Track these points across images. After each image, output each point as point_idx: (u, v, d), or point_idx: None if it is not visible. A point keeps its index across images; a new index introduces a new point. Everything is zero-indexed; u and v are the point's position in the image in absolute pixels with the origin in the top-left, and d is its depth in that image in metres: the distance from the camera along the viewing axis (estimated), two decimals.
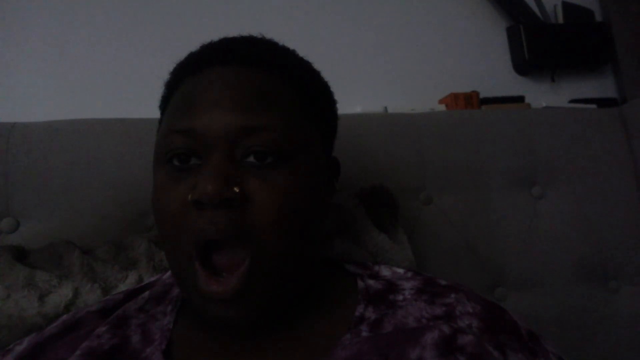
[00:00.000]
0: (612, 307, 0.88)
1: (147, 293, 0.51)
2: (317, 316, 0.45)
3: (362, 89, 1.14)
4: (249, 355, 0.42)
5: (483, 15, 1.25)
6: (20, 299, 0.52)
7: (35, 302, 0.52)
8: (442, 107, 1.13)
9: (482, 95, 1.16)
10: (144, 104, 1.01)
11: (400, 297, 0.47)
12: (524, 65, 1.23)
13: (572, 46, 1.24)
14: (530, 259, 0.87)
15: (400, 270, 0.53)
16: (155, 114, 0.82)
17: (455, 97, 1.13)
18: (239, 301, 0.39)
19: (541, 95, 1.24)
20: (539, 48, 1.21)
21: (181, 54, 1.14)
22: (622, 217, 0.92)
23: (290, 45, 1.23)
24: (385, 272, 0.53)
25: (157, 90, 1.14)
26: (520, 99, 1.18)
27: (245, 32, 1.13)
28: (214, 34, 1.18)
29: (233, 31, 1.20)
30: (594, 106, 1.15)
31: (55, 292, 0.53)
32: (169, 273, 0.53)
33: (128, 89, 1.02)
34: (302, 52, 1.22)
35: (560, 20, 1.26)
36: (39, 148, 0.73)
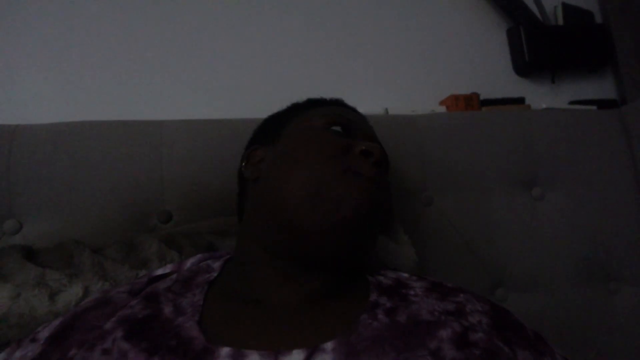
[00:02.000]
0: (612, 308, 0.88)
1: (174, 275, 0.54)
2: (336, 298, 0.50)
3: (363, 90, 1.14)
4: (278, 327, 0.46)
5: (483, 17, 1.26)
6: (31, 297, 0.53)
7: (46, 301, 0.53)
8: (443, 109, 1.13)
9: (482, 97, 1.16)
10: (147, 106, 1.02)
11: (412, 292, 0.50)
12: (524, 67, 1.23)
13: (572, 48, 1.25)
14: (531, 260, 0.87)
15: (405, 274, 0.56)
16: (156, 115, 0.83)
17: (455, 98, 1.13)
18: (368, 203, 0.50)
19: (541, 96, 1.24)
20: (539, 49, 1.21)
21: (184, 57, 1.14)
22: (622, 218, 0.92)
23: (291, 46, 1.24)
24: (391, 274, 0.56)
25: (159, 93, 1.15)
26: (520, 101, 1.18)
27: (244, 31, 1.12)
28: (215, 35, 1.18)
29: (232, 31, 1.21)
30: (594, 107, 1.15)
31: (66, 291, 0.54)
32: (189, 264, 0.58)
33: (131, 91, 1.02)
34: (302, 54, 1.23)
35: (560, 21, 1.26)
36: (42, 150, 0.74)
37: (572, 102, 1.22)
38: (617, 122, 0.98)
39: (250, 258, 0.54)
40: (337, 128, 0.56)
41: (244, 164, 0.61)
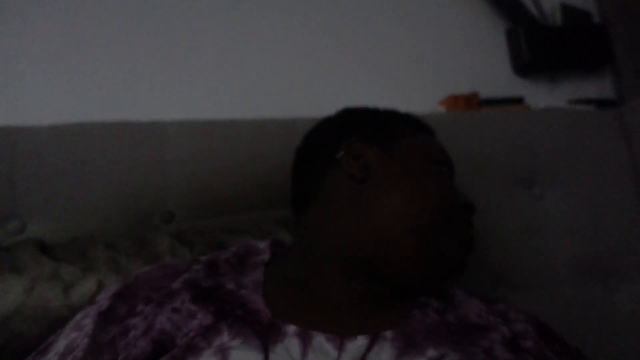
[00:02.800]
0: (612, 306, 0.88)
1: (234, 248, 0.56)
2: (391, 298, 0.53)
3: (361, 90, 1.15)
4: (340, 315, 0.48)
5: (482, 18, 1.26)
6: (45, 290, 0.54)
7: (60, 294, 0.54)
8: (442, 109, 1.14)
9: (481, 97, 1.17)
10: (149, 106, 1.02)
11: (456, 299, 0.54)
12: (523, 67, 1.24)
13: (570, 48, 1.25)
14: (530, 258, 0.87)
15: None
16: (159, 116, 0.83)
17: (455, 98, 1.14)
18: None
19: (540, 96, 1.25)
20: (538, 50, 1.22)
21: (186, 58, 1.14)
22: (621, 216, 0.93)
23: (292, 46, 1.24)
24: None
25: (161, 93, 1.15)
26: (519, 100, 1.19)
27: (245, 31, 1.12)
28: (217, 36, 1.19)
29: (234, 31, 1.21)
30: (592, 107, 1.16)
31: (80, 285, 0.55)
32: (234, 249, 0.57)
33: (133, 92, 1.03)
34: (302, 54, 1.23)
35: (559, 22, 1.27)
36: (45, 151, 0.75)
37: (571, 102, 1.23)
38: (616, 122, 0.99)
39: (319, 252, 0.54)
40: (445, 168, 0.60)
41: (342, 152, 0.57)
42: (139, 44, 1.05)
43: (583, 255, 0.89)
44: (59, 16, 1.02)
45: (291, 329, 0.43)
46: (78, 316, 0.47)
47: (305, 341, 0.42)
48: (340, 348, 0.42)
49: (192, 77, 1.06)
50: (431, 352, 0.42)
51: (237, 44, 1.11)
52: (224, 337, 0.41)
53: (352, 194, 0.55)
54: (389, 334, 0.44)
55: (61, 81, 0.99)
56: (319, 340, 0.42)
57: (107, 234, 0.71)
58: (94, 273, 0.56)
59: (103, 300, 0.47)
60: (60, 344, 0.45)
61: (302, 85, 1.11)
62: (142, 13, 1.07)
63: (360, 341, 0.43)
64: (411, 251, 0.51)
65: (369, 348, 0.42)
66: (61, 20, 1.02)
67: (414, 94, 1.18)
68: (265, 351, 0.40)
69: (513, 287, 0.86)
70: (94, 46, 1.03)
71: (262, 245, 0.58)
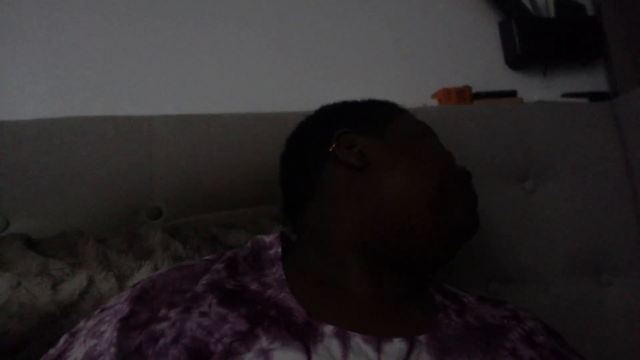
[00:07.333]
0: (604, 300, 0.89)
1: (249, 243, 0.55)
2: (411, 298, 0.53)
3: (354, 84, 1.14)
4: (372, 315, 0.48)
5: (475, 10, 1.26)
6: (32, 287, 0.53)
7: (48, 291, 0.53)
8: (435, 102, 1.14)
9: (474, 90, 1.17)
10: (135, 101, 1.01)
11: (466, 300, 0.55)
12: (516, 60, 1.24)
13: (564, 40, 1.26)
14: (523, 253, 0.88)
15: (447, 285, 0.60)
16: (145, 111, 0.82)
17: (447, 92, 1.14)
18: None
19: (533, 89, 1.25)
20: (531, 42, 1.23)
21: (173, 52, 1.14)
22: (614, 210, 0.93)
23: (281, 40, 1.23)
24: (435, 282, 0.60)
25: (147, 88, 1.14)
26: (512, 94, 1.19)
27: (233, 25, 1.12)
28: (204, 30, 1.18)
29: (222, 25, 1.20)
30: (586, 100, 1.16)
31: (69, 281, 0.54)
32: (249, 246, 0.56)
33: (119, 86, 1.02)
34: (292, 48, 1.23)
35: (552, 14, 1.27)
36: (28, 146, 0.74)
37: (564, 95, 1.23)
38: (609, 115, 0.99)
39: (337, 246, 0.53)
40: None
41: (334, 145, 0.57)
42: (125, 38, 1.05)
43: (575, 249, 0.90)
44: (43, 9, 1.01)
45: (328, 329, 0.43)
46: (89, 323, 0.45)
47: (344, 342, 0.42)
48: (379, 350, 0.42)
49: (179, 71, 1.06)
50: None
51: (225, 37, 1.10)
52: (263, 342, 0.41)
53: (354, 182, 0.55)
54: (423, 338, 0.44)
55: (45, 75, 0.99)
56: (357, 341, 0.43)
57: (93, 231, 0.70)
58: (83, 268, 0.56)
59: (120, 306, 0.45)
60: (77, 352, 0.43)
61: (293, 80, 1.11)
62: (129, 7, 1.05)
63: (398, 344, 0.43)
64: (431, 223, 0.52)
65: (409, 352, 0.43)
66: (45, 13, 1.01)
67: (407, 87, 1.18)
68: (308, 352, 0.41)
69: (505, 281, 0.87)
70: (78, 40, 1.02)
71: (269, 239, 0.57)
